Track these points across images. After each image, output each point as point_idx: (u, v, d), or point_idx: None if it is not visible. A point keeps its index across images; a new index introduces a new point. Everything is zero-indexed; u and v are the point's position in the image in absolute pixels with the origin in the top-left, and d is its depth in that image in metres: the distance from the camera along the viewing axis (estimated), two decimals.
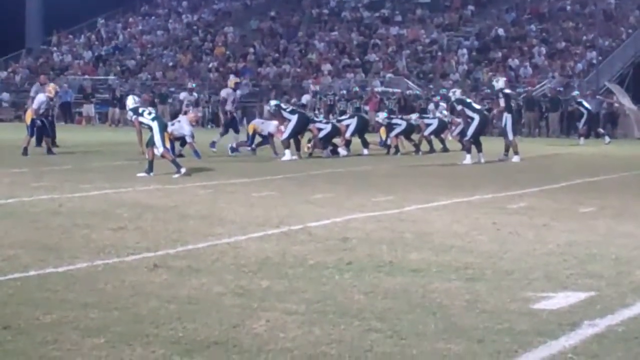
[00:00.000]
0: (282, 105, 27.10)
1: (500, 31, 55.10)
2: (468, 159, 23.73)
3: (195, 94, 34.68)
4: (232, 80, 29.77)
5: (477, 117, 24.44)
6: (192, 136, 23.34)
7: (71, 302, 7.11)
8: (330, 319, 6.73)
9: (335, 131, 26.67)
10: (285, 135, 25.14)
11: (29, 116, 24.92)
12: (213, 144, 26.34)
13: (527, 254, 9.59)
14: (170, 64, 60.08)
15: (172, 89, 53.69)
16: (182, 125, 23.37)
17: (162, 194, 15.09)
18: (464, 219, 12.42)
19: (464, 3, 60.18)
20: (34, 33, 70.31)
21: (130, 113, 19.71)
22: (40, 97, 25.13)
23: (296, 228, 11.20)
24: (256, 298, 7.35)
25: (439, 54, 54.53)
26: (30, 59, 65.38)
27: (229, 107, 27.59)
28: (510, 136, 25.53)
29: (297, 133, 25.44)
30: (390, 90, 49.18)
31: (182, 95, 38.03)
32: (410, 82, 50.70)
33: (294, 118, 25.32)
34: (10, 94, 58.09)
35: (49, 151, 24.78)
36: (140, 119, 19.20)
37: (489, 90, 44.00)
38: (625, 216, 13.03)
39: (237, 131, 27.18)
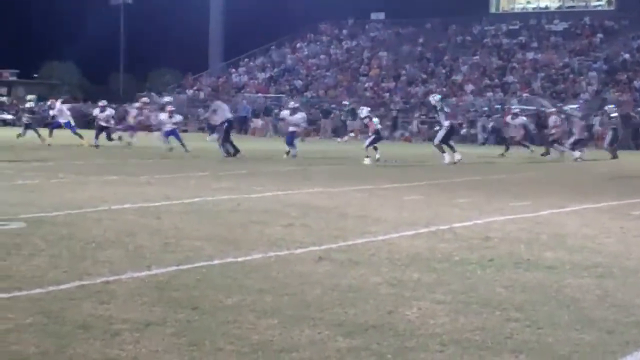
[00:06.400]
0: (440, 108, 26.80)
1: (627, 56, 53.83)
2: None
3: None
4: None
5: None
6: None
7: (248, 287, 7.19)
8: (474, 308, 6.65)
9: None
10: (436, 140, 25.43)
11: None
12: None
13: None
14: (332, 83, 60.50)
15: (333, 106, 54.05)
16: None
17: (324, 196, 15.17)
18: (593, 223, 12.14)
19: (594, 31, 59.07)
20: (216, 57, 71.81)
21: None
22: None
23: (443, 228, 11.12)
24: (408, 288, 7.32)
25: (571, 76, 53.58)
26: (213, 78, 66.70)
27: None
28: None
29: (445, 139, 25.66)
30: (526, 107, 48.57)
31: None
32: (544, 101, 49.93)
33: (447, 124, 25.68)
34: (195, 108, 59.35)
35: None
36: None
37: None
38: None
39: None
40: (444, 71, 58.45)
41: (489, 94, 53.13)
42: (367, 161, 25.54)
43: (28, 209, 12.09)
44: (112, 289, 7.01)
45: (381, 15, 70.62)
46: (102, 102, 33.80)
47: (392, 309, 6.57)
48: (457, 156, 25.95)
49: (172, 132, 28.95)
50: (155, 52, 78.24)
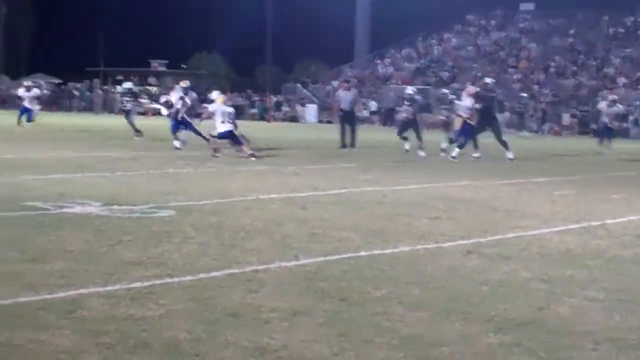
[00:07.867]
0: None
1: None
2: None
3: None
4: None
5: None
6: None
7: (396, 280, 7.19)
8: (629, 307, 6.50)
9: None
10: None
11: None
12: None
13: None
14: (479, 75, 59.91)
15: None
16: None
17: (471, 190, 15.04)
18: None
19: None
20: (361, 48, 72.03)
21: None
22: None
23: (595, 224, 10.90)
24: (560, 284, 7.20)
25: None
26: (358, 70, 66.90)
27: None
28: None
29: None
30: None
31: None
32: None
33: None
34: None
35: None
36: None
37: None
38: None
39: None
40: (594, 63, 57.20)
41: None
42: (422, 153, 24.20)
43: (177, 197, 12.37)
44: (261, 277, 7.10)
45: (531, 6, 69.50)
46: (185, 83, 30.29)
47: (543, 305, 6.47)
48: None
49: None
50: (301, 43, 78.95)
